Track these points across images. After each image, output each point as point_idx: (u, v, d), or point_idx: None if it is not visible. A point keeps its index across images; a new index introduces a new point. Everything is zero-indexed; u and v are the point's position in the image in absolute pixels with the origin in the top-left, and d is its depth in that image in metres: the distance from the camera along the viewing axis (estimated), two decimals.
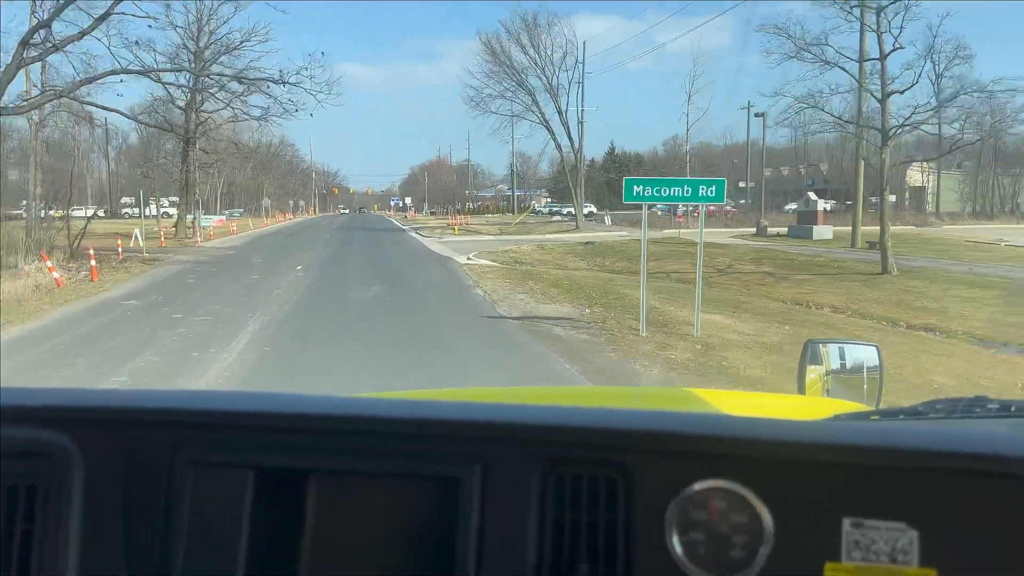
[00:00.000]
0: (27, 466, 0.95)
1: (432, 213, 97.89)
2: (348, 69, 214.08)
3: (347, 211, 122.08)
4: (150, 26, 25.47)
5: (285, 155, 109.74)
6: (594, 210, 74.88)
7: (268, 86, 24.02)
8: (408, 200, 69.84)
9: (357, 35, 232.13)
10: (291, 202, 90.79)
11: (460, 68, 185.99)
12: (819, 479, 0.84)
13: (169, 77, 27.71)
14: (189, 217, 38.82)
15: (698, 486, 0.86)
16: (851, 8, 20.10)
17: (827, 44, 20.57)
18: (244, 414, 0.98)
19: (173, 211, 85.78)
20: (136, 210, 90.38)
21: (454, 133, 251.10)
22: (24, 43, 18.00)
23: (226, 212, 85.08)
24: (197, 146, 38.87)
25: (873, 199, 38.00)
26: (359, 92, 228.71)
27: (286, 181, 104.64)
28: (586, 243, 29.74)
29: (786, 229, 36.37)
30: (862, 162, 27.93)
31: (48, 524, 0.94)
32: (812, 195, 39.21)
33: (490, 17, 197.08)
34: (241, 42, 33.99)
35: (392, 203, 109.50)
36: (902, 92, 19.86)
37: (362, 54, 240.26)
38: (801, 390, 2.11)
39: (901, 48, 19.41)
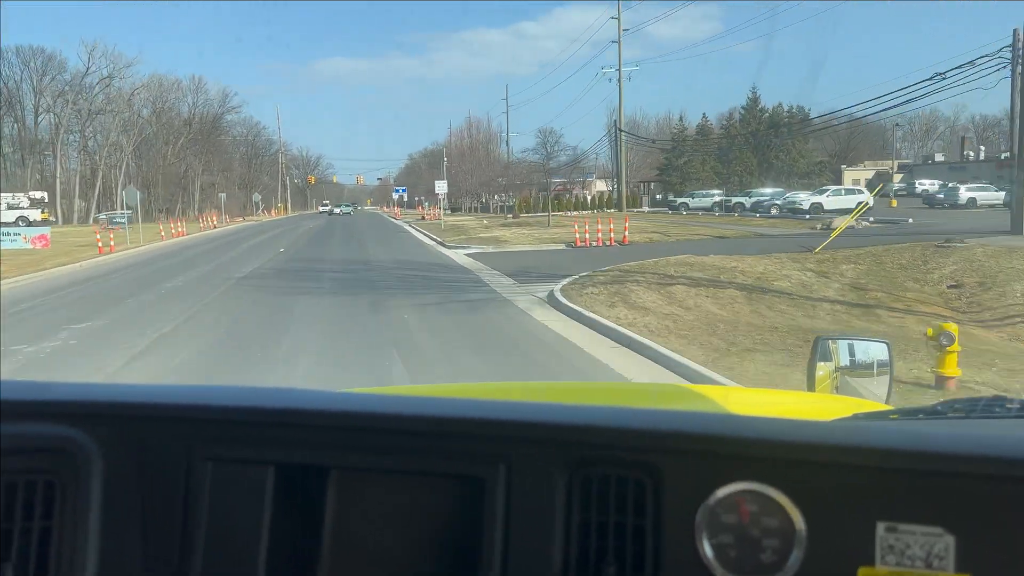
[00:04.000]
0: (44, 462, 0.95)
1: (450, 210, 65.25)
2: (337, 63, 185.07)
3: (329, 208, 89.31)
4: None
5: (234, 128, 76.52)
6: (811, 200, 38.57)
7: None
8: (442, 189, 37.76)
9: (346, 29, 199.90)
10: (222, 196, 56.26)
11: (457, 64, 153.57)
12: (853, 482, 0.82)
13: None
14: None
15: (729, 489, 0.85)
16: None
17: None
18: (265, 411, 0.97)
19: (36, 215, 52.53)
20: None
21: (455, 122, 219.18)
22: None
23: (102, 215, 50.09)
24: None
25: None
26: (348, 86, 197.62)
27: (233, 164, 71.47)
28: None
29: None
30: None
31: (66, 521, 0.94)
32: None
33: (487, 13, 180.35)
34: None
35: (396, 195, 75.74)
36: None
37: (351, 47, 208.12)
38: (811, 387, 2.13)
39: None
